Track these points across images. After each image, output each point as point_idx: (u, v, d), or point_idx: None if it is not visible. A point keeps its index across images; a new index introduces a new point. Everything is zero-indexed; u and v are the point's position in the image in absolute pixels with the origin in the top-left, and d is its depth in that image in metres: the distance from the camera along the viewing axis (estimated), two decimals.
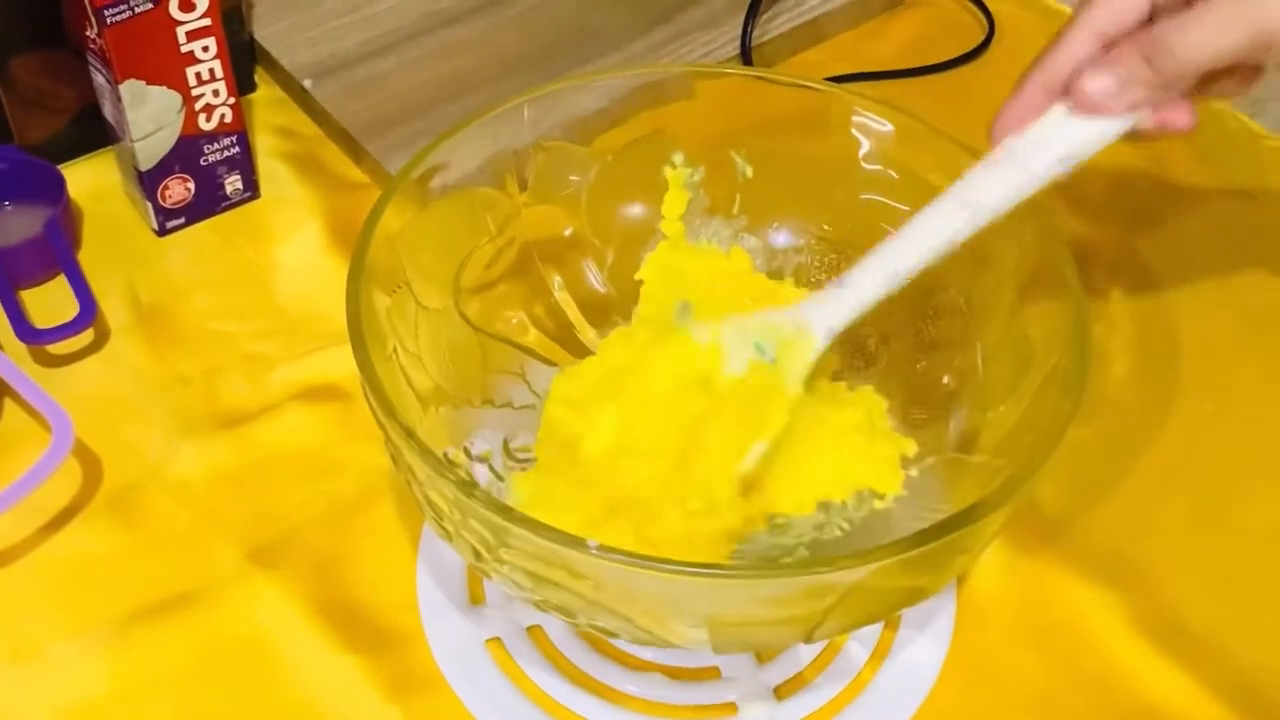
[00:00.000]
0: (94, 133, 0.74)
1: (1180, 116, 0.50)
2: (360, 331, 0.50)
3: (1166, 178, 0.78)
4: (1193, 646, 0.59)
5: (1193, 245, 0.75)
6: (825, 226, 0.61)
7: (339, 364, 0.68)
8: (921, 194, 0.58)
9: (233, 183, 0.74)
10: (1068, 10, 0.89)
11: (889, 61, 0.84)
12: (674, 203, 0.61)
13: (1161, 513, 0.63)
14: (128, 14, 0.65)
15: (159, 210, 0.72)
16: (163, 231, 0.73)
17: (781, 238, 0.62)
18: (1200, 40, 0.47)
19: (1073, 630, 0.59)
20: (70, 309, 0.67)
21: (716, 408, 0.53)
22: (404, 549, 0.61)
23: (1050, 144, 0.50)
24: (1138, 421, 0.66)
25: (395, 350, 0.54)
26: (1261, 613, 0.60)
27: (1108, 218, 0.75)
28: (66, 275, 0.68)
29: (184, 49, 0.67)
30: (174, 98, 0.69)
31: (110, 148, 0.75)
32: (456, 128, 0.56)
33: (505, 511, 0.45)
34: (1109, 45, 0.49)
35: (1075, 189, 0.75)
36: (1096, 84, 0.49)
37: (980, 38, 0.86)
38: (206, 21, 0.67)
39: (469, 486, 0.46)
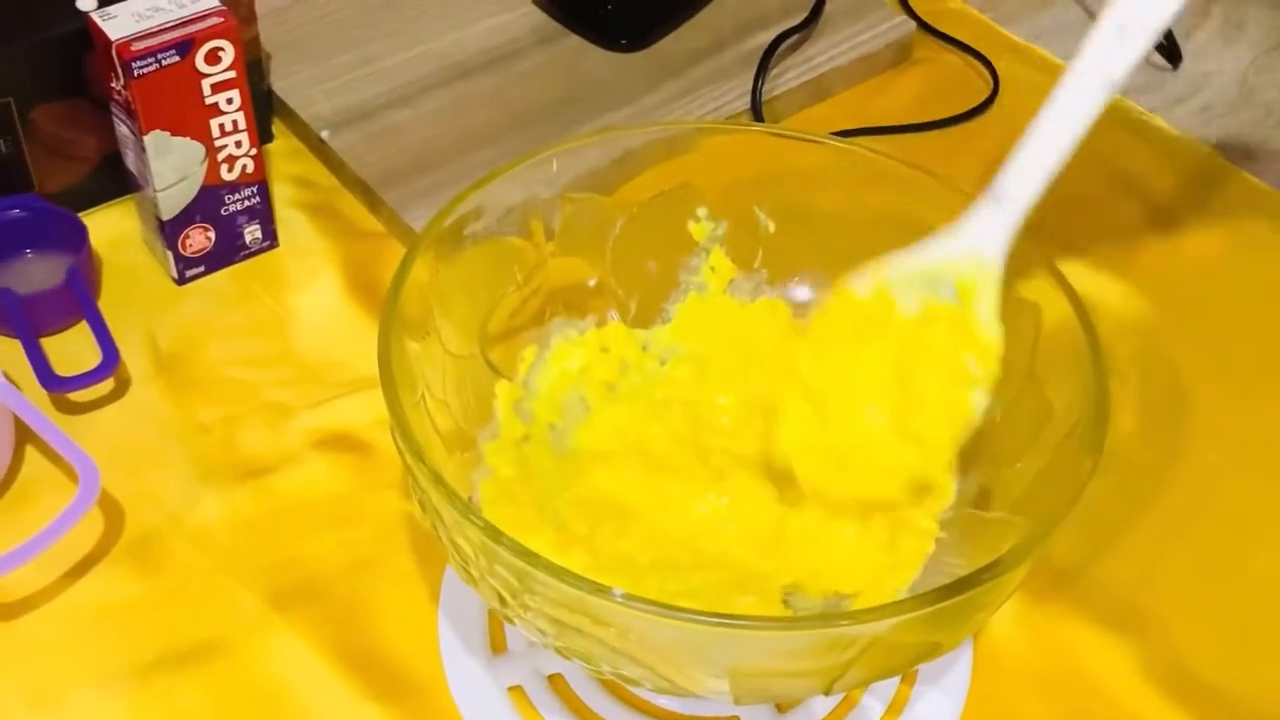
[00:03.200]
0: (113, 182, 0.75)
1: None
2: (392, 376, 0.50)
3: (1171, 232, 0.80)
4: (1203, 695, 0.59)
5: (1197, 298, 0.76)
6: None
7: (357, 412, 0.68)
8: None
9: (252, 232, 0.75)
10: None
11: (895, 117, 0.85)
12: (723, 268, 0.62)
13: (1171, 563, 0.64)
14: (154, 66, 0.66)
15: (179, 259, 0.73)
16: (182, 280, 0.74)
17: (802, 292, 0.63)
18: None
19: (1086, 680, 0.60)
20: (90, 356, 0.67)
21: (911, 355, 0.52)
22: (424, 597, 0.61)
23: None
24: (1146, 473, 0.67)
25: (423, 396, 0.54)
26: (1271, 661, 0.61)
27: (1113, 273, 0.77)
28: (89, 323, 0.68)
29: (209, 101, 0.68)
30: (197, 148, 0.69)
31: (128, 196, 0.75)
32: (487, 178, 0.57)
33: (530, 557, 0.46)
34: None
35: (1081, 244, 0.77)
36: None
37: (985, 94, 0.88)
38: (231, 74, 0.68)
39: (495, 532, 0.47)
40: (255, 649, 0.59)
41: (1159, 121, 0.87)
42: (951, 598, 0.45)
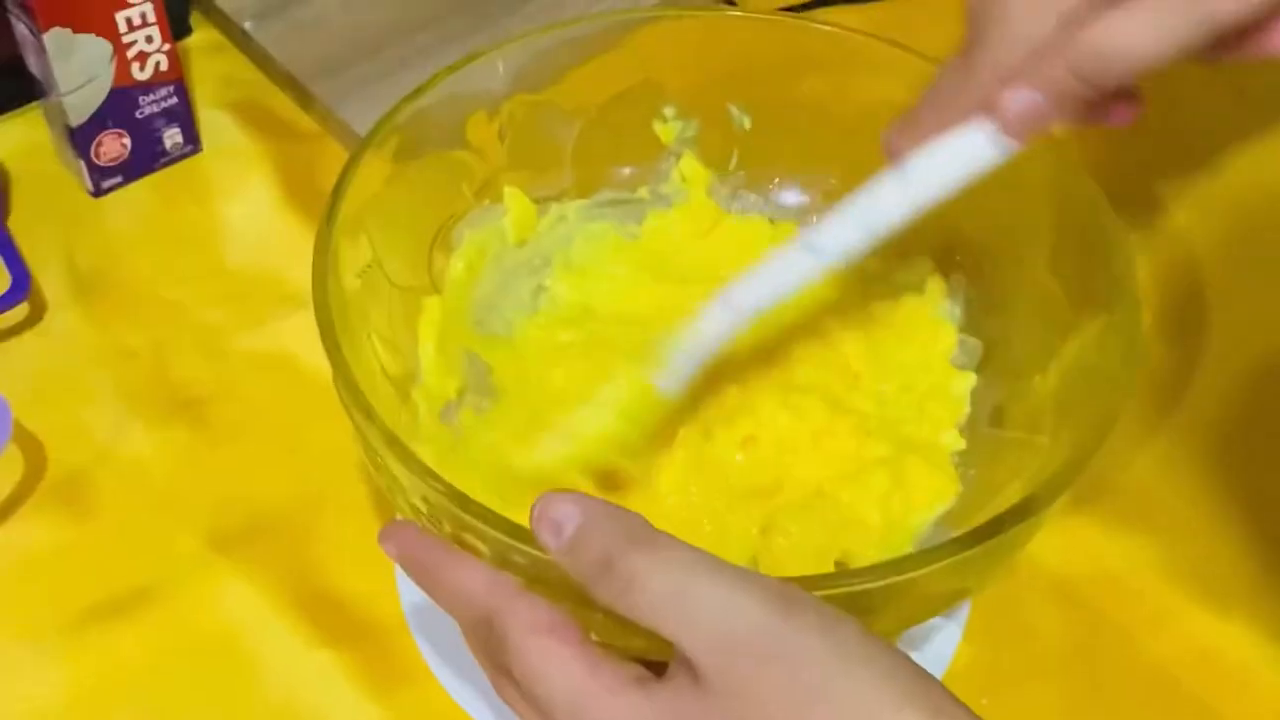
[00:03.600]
0: (18, 89, 0.70)
1: (1122, 113, 0.43)
2: (331, 324, 0.46)
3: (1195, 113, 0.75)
4: (1224, 594, 0.57)
5: (1215, 187, 0.73)
6: (832, 180, 0.58)
7: (299, 333, 0.64)
8: None
9: (172, 136, 0.71)
10: None
11: None
12: (697, 177, 0.58)
13: (1190, 464, 0.62)
14: None
15: (93, 169, 0.69)
16: (98, 192, 0.70)
17: (787, 195, 0.60)
18: (1134, 43, 0.39)
19: (1103, 583, 0.58)
20: (0, 282, 0.64)
21: None
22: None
23: (960, 163, 0.44)
24: (1167, 375, 0.65)
25: (370, 336, 0.50)
26: None
27: (1125, 159, 0.72)
28: None
29: None
30: (104, 46, 0.65)
31: (36, 104, 0.71)
32: (424, 87, 0.53)
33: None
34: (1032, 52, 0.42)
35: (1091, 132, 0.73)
36: (1020, 102, 0.42)
37: None
38: None
39: (463, 499, 0.42)
40: (197, 594, 0.56)
41: None
42: (982, 542, 0.41)
